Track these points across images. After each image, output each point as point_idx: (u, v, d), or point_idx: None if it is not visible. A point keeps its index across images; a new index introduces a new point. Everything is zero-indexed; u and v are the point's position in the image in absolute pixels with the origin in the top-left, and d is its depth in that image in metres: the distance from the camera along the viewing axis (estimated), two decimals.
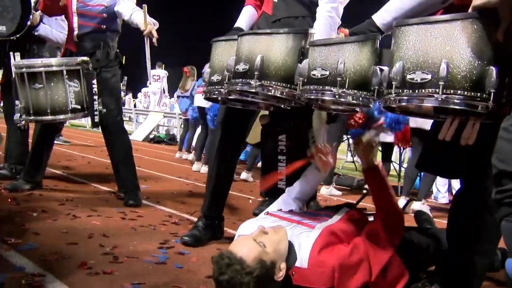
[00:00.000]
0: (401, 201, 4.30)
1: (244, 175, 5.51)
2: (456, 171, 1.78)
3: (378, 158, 2.05)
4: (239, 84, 1.75)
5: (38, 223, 2.49)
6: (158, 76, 13.95)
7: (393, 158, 6.24)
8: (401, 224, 1.85)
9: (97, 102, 3.04)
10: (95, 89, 3.03)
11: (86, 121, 15.03)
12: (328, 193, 4.96)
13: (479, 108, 1.29)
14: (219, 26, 3.15)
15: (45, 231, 2.33)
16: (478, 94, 1.26)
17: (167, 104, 14.27)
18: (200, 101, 6.05)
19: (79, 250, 2.10)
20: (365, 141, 1.92)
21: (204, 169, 5.76)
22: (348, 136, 6.45)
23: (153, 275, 1.89)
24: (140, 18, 3.14)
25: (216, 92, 2.03)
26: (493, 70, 1.24)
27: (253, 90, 1.71)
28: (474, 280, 1.75)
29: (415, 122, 4.44)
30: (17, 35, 3.36)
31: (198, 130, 7.09)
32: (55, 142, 6.87)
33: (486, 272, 1.79)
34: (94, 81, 3.03)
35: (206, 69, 2.12)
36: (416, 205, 4.22)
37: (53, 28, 3.75)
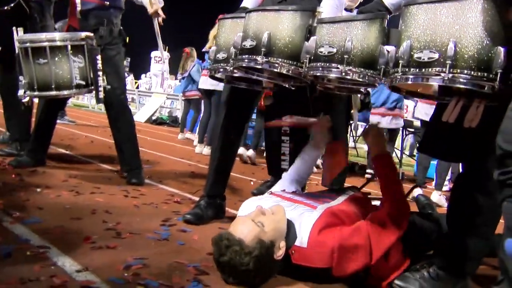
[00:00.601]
0: (434, 195, 4.30)
1: (251, 152, 5.51)
2: (459, 154, 1.78)
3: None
4: (246, 60, 1.74)
5: (42, 198, 2.51)
6: (159, 58, 13.89)
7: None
8: (407, 212, 1.85)
9: (101, 78, 3.01)
10: (100, 65, 3.00)
11: (90, 101, 15.08)
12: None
13: (485, 89, 1.28)
14: (224, 7, 3.12)
15: (49, 206, 2.35)
16: (485, 74, 1.26)
17: (172, 86, 14.25)
18: (203, 83, 6.04)
19: (83, 225, 2.11)
20: (374, 130, 1.93)
21: (207, 151, 5.77)
22: (351, 122, 6.45)
23: (155, 251, 1.91)
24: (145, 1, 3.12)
25: (222, 70, 2.02)
26: (501, 50, 1.24)
27: (259, 67, 1.71)
28: (470, 262, 1.76)
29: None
30: (11, 4, 3.32)
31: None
32: (61, 121, 6.94)
33: (483, 254, 1.79)
34: (99, 57, 3.01)
35: (212, 47, 2.11)
36: (434, 197, 4.24)
37: None
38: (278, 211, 1.76)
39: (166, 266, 1.76)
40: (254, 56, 1.70)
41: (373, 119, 5.36)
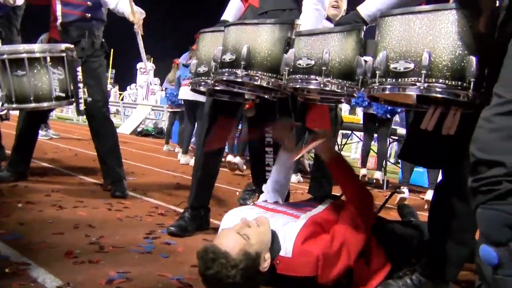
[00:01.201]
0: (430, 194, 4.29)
1: (237, 159, 5.50)
2: (438, 160, 1.81)
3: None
4: (226, 73, 1.75)
5: (23, 213, 2.48)
6: (144, 69, 13.85)
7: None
8: (371, 202, 1.90)
9: (81, 90, 2.98)
10: (80, 77, 2.97)
11: (74, 114, 14.96)
12: (296, 180, 5.07)
13: (460, 97, 1.31)
14: (211, 18, 3.14)
15: (30, 222, 2.32)
16: (459, 83, 1.29)
17: (157, 99, 14.18)
18: (185, 93, 6.00)
19: (65, 240, 2.09)
20: (320, 137, 1.95)
21: (193, 161, 5.74)
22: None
23: (139, 264, 1.90)
24: (127, 7, 3.12)
25: (203, 83, 2.04)
26: (473, 59, 1.27)
27: (240, 80, 1.72)
28: (451, 268, 1.78)
29: None
30: None
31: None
32: (44, 137, 6.86)
33: (464, 261, 1.82)
34: (79, 69, 2.98)
35: (192, 60, 2.12)
36: (430, 196, 4.26)
37: None
38: (263, 223, 1.76)
39: (149, 279, 1.75)
40: (234, 70, 1.71)
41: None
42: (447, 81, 1.30)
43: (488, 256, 1.16)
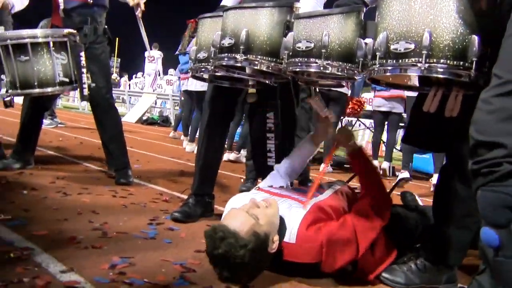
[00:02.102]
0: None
1: (232, 155, 5.51)
2: (441, 144, 1.79)
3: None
4: (225, 58, 1.74)
5: (28, 200, 2.49)
6: (152, 58, 13.79)
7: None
8: (388, 203, 1.87)
9: (85, 75, 2.97)
10: (83, 62, 2.96)
11: (79, 103, 15.00)
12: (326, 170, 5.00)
13: (462, 77, 1.30)
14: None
15: (34, 208, 2.33)
16: (461, 63, 1.28)
17: (162, 86, 14.15)
18: (195, 85, 5.98)
19: (69, 226, 2.10)
20: (344, 131, 1.95)
21: None
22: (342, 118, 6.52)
23: (142, 250, 1.90)
24: None
25: (203, 69, 2.02)
26: (475, 38, 1.25)
27: (239, 65, 1.71)
28: (455, 252, 1.78)
29: None
30: None
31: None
32: (50, 125, 6.89)
33: (467, 245, 1.80)
34: (82, 54, 2.97)
35: (193, 47, 2.11)
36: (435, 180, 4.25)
37: None
38: (271, 204, 1.75)
39: (152, 264, 1.75)
40: (233, 54, 1.70)
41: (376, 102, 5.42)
42: (448, 61, 1.28)
43: (489, 238, 1.16)
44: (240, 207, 1.73)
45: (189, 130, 6.38)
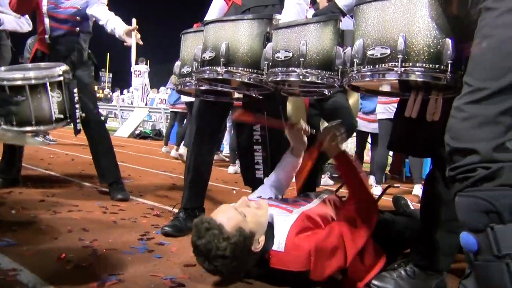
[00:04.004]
0: (417, 189, 4.30)
1: (231, 169, 5.52)
2: (426, 149, 1.80)
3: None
4: (207, 71, 1.75)
5: (17, 219, 2.48)
6: (139, 72, 13.83)
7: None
8: (375, 207, 1.87)
9: (78, 110, 3.01)
10: (76, 98, 3.00)
11: None
12: (324, 182, 5.01)
13: (440, 80, 1.31)
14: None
15: (23, 227, 2.32)
16: (437, 66, 1.29)
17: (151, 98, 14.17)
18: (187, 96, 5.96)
19: (58, 245, 2.09)
20: (329, 133, 1.95)
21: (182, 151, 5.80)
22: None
23: (131, 266, 1.89)
24: (118, 26, 3.15)
25: (188, 84, 2.04)
26: (449, 41, 1.27)
27: (220, 77, 1.71)
28: (444, 257, 1.77)
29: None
30: None
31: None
32: (42, 143, 6.84)
33: (456, 249, 1.80)
34: (75, 90, 3.00)
35: (177, 62, 2.12)
36: (417, 191, 4.28)
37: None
38: (261, 206, 1.79)
39: (142, 280, 1.74)
40: (215, 67, 1.71)
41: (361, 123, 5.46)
42: (424, 65, 1.30)
43: (468, 243, 1.17)
44: (231, 204, 1.77)
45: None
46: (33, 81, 2.89)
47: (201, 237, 1.59)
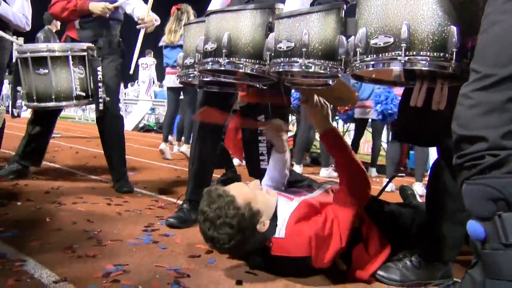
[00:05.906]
0: (418, 187, 4.18)
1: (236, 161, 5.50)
2: (431, 138, 1.79)
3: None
4: (210, 63, 1.73)
5: (22, 211, 2.49)
6: (146, 65, 13.72)
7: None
8: (366, 179, 1.86)
9: (101, 90, 2.98)
10: (100, 77, 2.97)
11: (76, 113, 14.98)
12: (328, 174, 5.01)
13: (446, 69, 1.30)
14: None
15: (28, 219, 2.33)
16: (441, 54, 1.28)
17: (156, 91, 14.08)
18: (172, 81, 5.72)
19: (63, 236, 2.10)
20: (315, 109, 1.92)
21: (183, 149, 5.77)
22: (337, 118, 6.49)
23: (136, 256, 1.90)
24: (143, 11, 3.14)
25: (191, 75, 2.03)
26: (454, 29, 1.26)
27: (223, 68, 1.70)
28: (449, 248, 1.77)
29: None
30: None
31: None
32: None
33: (461, 240, 1.80)
34: (99, 68, 2.98)
35: (180, 53, 2.11)
36: (418, 189, 4.21)
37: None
38: (271, 193, 1.86)
39: (147, 271, 1.75)
40: (217, 58, 1.69)
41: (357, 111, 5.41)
42: (428, 53, 1.28)
43: (475, 231, 1.17)
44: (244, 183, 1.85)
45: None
46: (56, 53, 2.91)
47: (212, 202, 1.66)
